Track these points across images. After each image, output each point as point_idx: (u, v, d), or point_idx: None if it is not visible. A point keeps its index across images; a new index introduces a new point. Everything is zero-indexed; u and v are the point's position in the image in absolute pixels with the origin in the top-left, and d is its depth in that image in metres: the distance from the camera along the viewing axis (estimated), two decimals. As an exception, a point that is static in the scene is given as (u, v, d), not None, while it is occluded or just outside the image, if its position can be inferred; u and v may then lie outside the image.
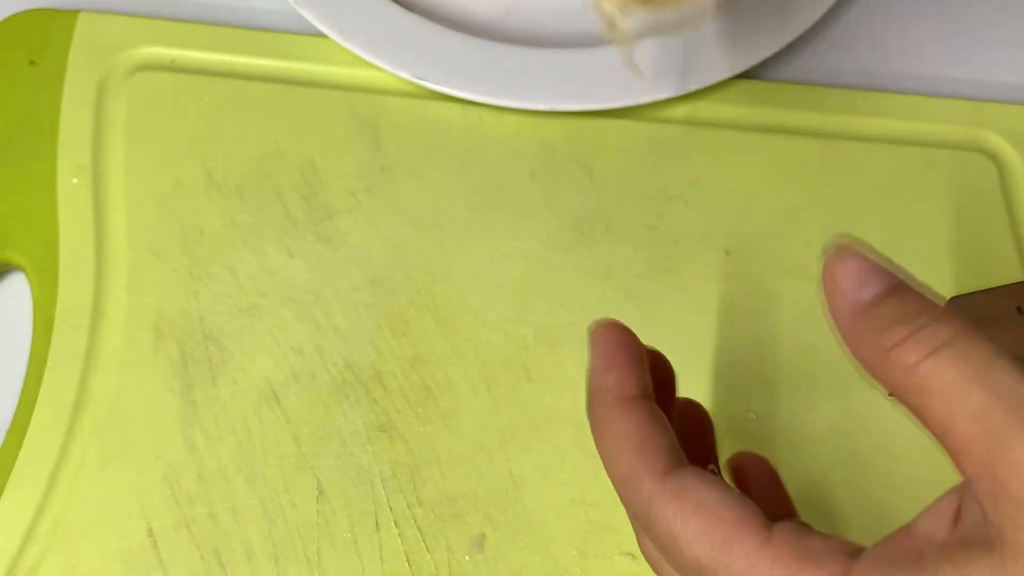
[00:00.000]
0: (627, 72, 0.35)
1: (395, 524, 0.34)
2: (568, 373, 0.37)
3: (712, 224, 0.40)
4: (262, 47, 0.43)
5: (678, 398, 0.31)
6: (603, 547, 0.34)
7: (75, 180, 0.39)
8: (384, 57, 0.41)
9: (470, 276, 0.38)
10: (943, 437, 0.20)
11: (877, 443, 0.36)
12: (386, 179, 0.40)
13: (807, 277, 0.39)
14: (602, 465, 0.25)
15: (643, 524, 0.24)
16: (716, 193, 0.40)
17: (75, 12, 0.43)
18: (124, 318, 0.37)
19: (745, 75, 0.43)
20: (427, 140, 0.41)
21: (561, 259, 0.39)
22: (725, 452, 0.34)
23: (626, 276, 0.39)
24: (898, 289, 0.22)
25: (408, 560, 0.33)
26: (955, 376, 0.20)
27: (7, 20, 0.43)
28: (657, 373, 0.27)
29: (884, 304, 0.21)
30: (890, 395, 0.37)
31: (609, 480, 0.26)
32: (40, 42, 0.42)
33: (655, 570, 0.27)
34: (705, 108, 0.42)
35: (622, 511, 0.27)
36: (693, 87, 0.41)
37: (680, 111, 0.42)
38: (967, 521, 0.20)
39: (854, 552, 0.22)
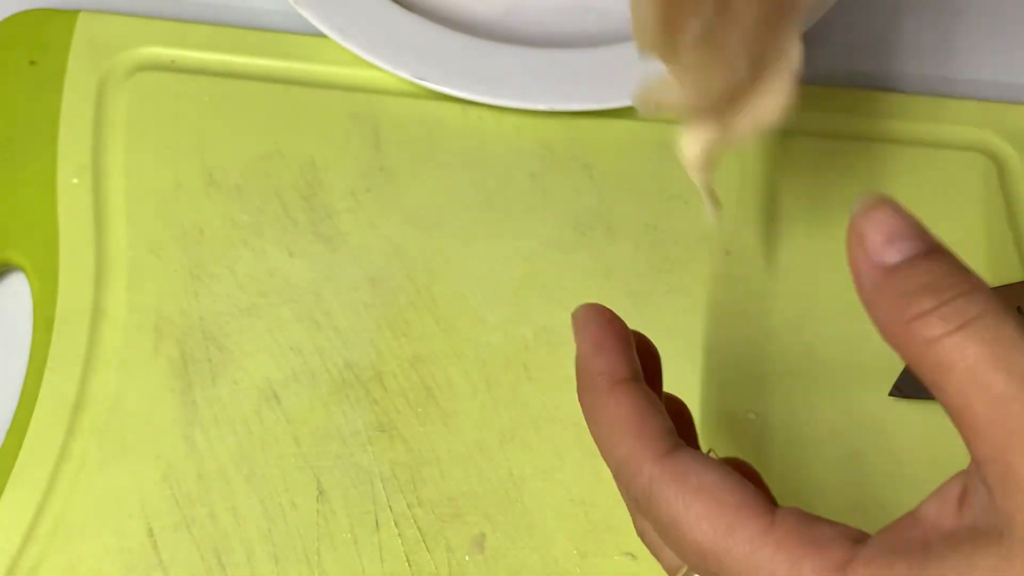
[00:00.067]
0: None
1: (395, 524, 0.34)
2: (568, 373, 0.36)
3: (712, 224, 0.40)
4: (262, 47, 0.43)
5: None
6: (603, 547, 0.34)
7: (75, 180, 0.39)
8: (384, 57, 0.41)
9: (470, 276, 0.38)
10: (958, 415, 0.20)
11: (877, 443, 0.36)
12: (386, 179, 0.40)
13: (807, 277, 0.39)
14: (603, 464, 0.25)
15: (643, 508, 0.24)
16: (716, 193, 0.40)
17: (75, 12, 0.43)
18: (124, 318, 0.37)
19: (745, 75, 0.43)
20: (427, 140, 0.41)
21: (561, 259, 0.39)
22: (724, 452, 0.34)
23: (626, 276, 0.39)
24: (930, 253, 0.20)
25: (408, 560, 0.33)
26: (979, 356, 0.19)
27: (7, 20, 0.43)
28: (643, 358, 0.27)
29: (913, 268, 0.20)
30: (892, 392, 0.37)
31: (609, 480, 0.26)
32: (40, 42, 0.42)
33: (654, 554, 0.26)
34: (705, 108, 0.42)
35: (622, 511, 0.27)
36: (693, 87, 0.41)
37: (680, 111, 0.42)
38: (973, 506, 0.20)
39: (859, 538, 0.21)
